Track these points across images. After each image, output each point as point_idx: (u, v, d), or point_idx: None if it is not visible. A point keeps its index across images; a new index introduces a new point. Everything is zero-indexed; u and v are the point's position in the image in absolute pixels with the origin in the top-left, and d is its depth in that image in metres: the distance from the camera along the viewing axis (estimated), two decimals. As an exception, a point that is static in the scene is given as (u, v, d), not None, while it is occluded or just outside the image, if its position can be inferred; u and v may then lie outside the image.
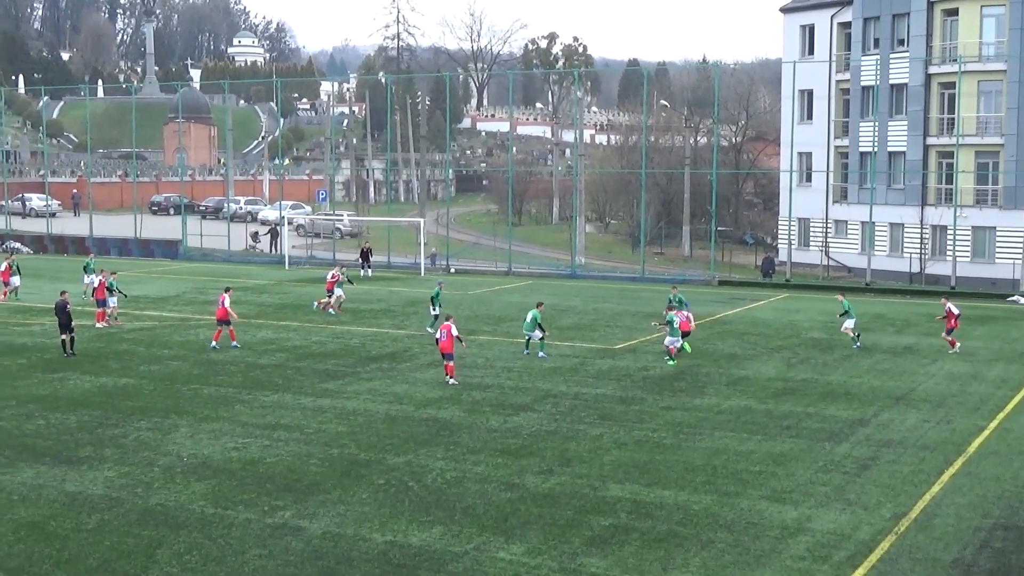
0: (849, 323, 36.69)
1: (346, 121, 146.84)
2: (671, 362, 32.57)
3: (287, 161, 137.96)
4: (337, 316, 42.12)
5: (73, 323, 34.20)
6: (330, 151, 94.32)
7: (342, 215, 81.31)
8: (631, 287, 55.25)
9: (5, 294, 46.61)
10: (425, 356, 33.83)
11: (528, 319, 33.87)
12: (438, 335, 29.45)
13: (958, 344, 35.24)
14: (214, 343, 35.08)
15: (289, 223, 75.91)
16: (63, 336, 33.74)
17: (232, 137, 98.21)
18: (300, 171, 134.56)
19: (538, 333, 33.65)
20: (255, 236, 74.08)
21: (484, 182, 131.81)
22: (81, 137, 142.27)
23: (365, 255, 58.81)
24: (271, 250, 72.66)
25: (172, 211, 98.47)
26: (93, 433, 24.18)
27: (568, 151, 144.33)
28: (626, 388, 29.38)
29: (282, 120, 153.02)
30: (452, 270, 60.09)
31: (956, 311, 35.27)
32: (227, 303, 35.19)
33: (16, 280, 47.08)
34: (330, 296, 43.30)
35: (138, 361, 33.01)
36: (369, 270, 58.05)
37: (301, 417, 25.75)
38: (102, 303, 39.33)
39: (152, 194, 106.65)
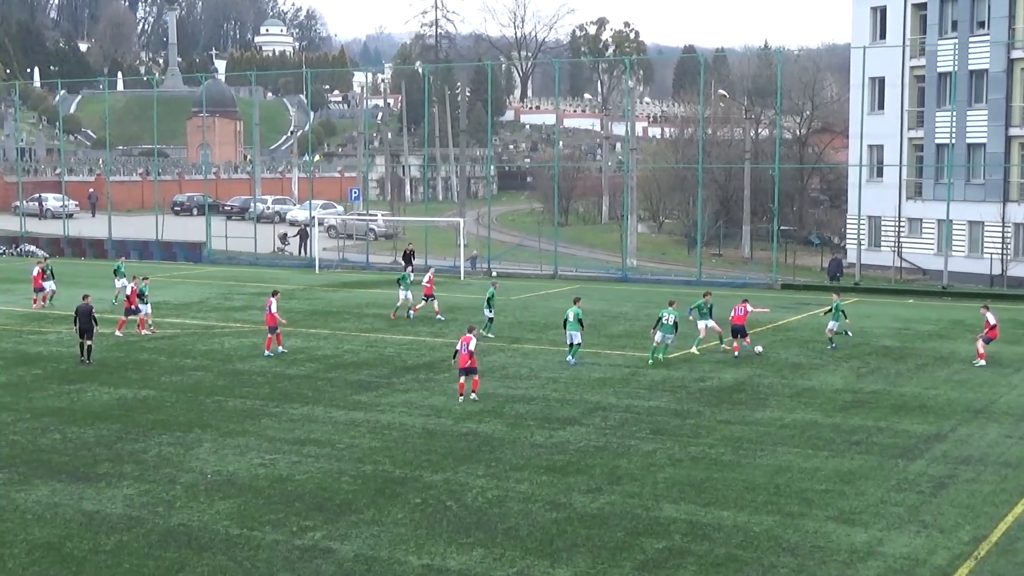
0: (832, 325, 37.29)
1: (380, 114, 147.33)
2: (651, 362, 33.80)
3: (317, 157, 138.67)
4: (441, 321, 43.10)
5: (96, 329, 34.76)
6: (363, 146, 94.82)
7: (376, 215, 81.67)
8: (687, 291, 55.02)
9: (36, 301, 47.47)
10: (465, 366, 33.83)
11: (570, 318, 33.91)
12: (458, 347, 29.19)
13: (985, 359, 34.75)
14: (267, 351, 35.92)
15: (320, 224, 76.35)
16: (82, 341, 34.36)
17: (259, 132, 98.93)
18: (331, 168, 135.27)
19: (578, 337, 33.75)
20: (284, 238, 74.71)
21: (528, 179, 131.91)
22: (99, 133, 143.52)
23: (408, 257, 58.94)
24: (301, 253, 73.16)
25: (195, 211, 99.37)
26: (112, 448, 24.44)
27: (619, 145, 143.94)
28: (681, 400, 29.35)
29: (312, 114, 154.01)
30: (494, 273, 60.09)
31: (993, 320, 35.03)
32: (274, 308, 35.93)
33: (51, 285, 48.08)
34: (429, 300, 44.02)
35: (159, 371, 33.35)
36: (411, 271, 58.09)
37: (332, 431, 25.90)
38: (132, 311, 40.01)
39: (174, 193, 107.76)
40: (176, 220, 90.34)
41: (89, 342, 34.57)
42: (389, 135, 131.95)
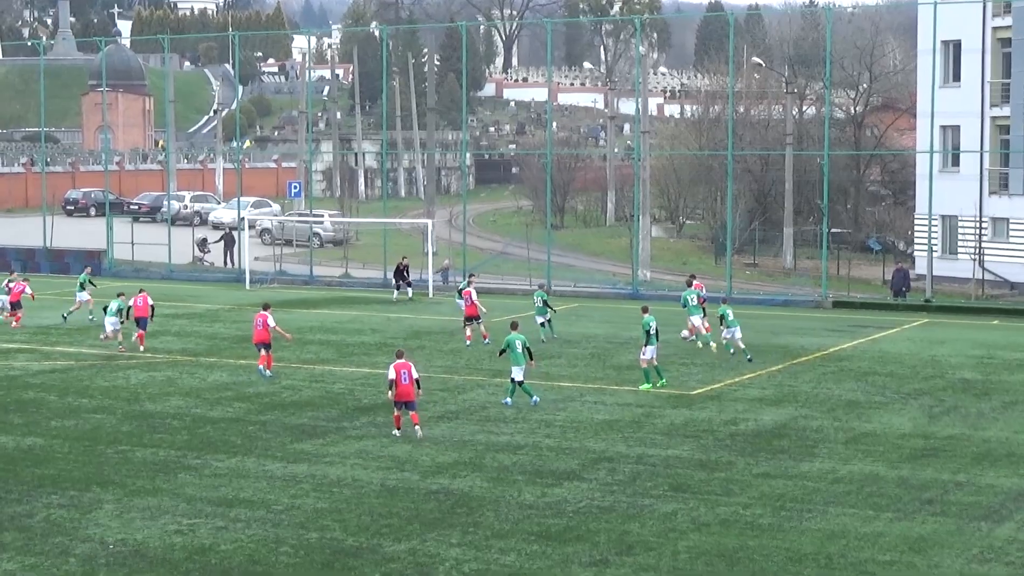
0: (735, 332, 40.82)
1: (327, 89, 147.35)
2: (645, 387, 35.73)
3: (248, 143, 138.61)
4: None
5: None
6: (306, 129, 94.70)
7: (322, 215, 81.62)
8: (715, 311, 54.98)
9: (78, 306, 50.86)
10: (435, 406, 33.92)
11: (517, 347, 34.10)
12: (391, 375, 30.22)
13: None
14: (267, 372, 38.18)
15: (251, 227, 76.25)
16: None
17: (174, 111, 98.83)
18: (266, 157, 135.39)
19: (521, 372, 34.08)
20: (204, 244, 74.51)
21: (514, 170, 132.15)
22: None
23: (401, 273, 58.68)
24: (226, 263, 73.05)
25: (93, 211, 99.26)
26: (-12, 512, 24.35)
27: (627, 127, 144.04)
28: (707, 448, 29.37)
29: (241, 88, 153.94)
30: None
31: None
32: (271, 322, 38.34)
33: (83, 296, 50.49)
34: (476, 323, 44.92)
35: (48, 414, 33.20)
36: (409, 290, 58.25)
37: (267, 489, 25.83)
38: (143, 323, 43.57)
39: (67, 188, 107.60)
40: (69, 222, 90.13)
41: None
42: (338, 115, 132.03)
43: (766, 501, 24.92)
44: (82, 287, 50.78)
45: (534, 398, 34.02)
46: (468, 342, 44.29)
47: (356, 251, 76.35)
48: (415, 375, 30.32)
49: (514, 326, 35.26)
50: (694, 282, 45.05)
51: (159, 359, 41.80)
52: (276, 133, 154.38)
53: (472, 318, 44.87)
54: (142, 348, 43.13)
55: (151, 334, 44.99)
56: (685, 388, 36.76)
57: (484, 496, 25.30)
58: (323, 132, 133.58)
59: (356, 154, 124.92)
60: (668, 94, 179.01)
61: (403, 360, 30.54)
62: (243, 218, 72.28)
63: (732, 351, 41.41)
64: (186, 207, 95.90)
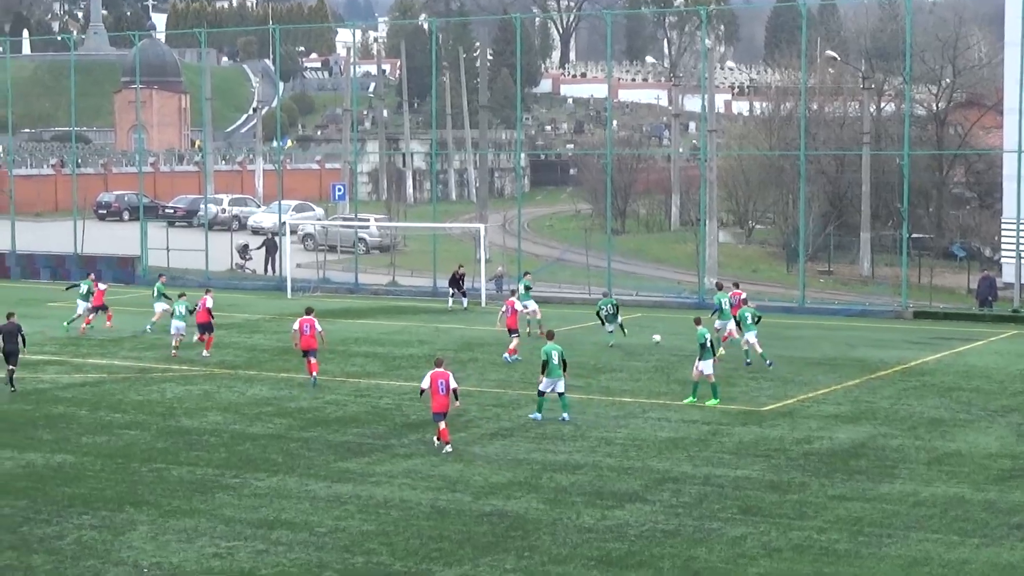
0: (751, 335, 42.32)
1: (373, 85, 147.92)
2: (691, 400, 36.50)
3: (289, 143, 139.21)
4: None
5: (23, 352, 38.52)
6: (351, 128, 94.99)
7: (368, 220, 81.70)
8: (787, 321, 54.84)
9: (110, 317, 52.14)
10: (488, 422, 33.97)
11: (554, 359, 34.06)
12: (425, 384, 30.97)
13: None
14: (313, 376, 39.54)
15: (292, 232, 76.43)
16: (9, 367, 37.83)
17: (211, 109, 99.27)
18: (308, 157, 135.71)
19: (562, 384, 34.19)
20: (244, 250, 74.67)
21: (571, 171, 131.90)
22: (0, 111, 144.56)
23: (457, 281, 58.79)
24: (267, 270, 73.32)
25: (127, 215, 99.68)
26: (16, 533, 24.45)
27: (693, 125, 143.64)
28: (779, 468, 29.33)
29: (282, 85, 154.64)
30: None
31: None
32: (319, 326, 39.74)
33: (163, 306, 50.60)
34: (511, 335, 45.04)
35: (79, 430, 33.44)
36: (464, 300, 58.39)
37: (310, 510, 25.91)
38: (207, 327, 45.03)
39: (99, 191, 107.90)
40: (101, 227, 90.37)
41: (13, 366, 37.88)
42: (385, 113, 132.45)
43: (842, 525, 24.84)
44: (161, 297, 50.86)
45: (564, 415, 34.10)
46: (510, 357, 44.10)
47: (404, 258, 76.31)
48: (453, 385, 30.92)
49: (550, 336, 35.36)
50: (732, 290, 46.91)
51: (195, 372, 42.05)
52: (319, 132, 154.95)
53: (512, 331, 44.71)
54: (206, 353, 44.53)
55: (186, 345, 45.24)
56: (755, 404, 36.71)
57: (540, 519, 25.28)
58: (369, 131, 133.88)
59: (404, 155, 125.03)
60: (736, 90, 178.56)
61: (442, 369, 31.11)
62: (284, 223, 72.41)
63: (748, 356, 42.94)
64: (224, 211, 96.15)
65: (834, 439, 32.30)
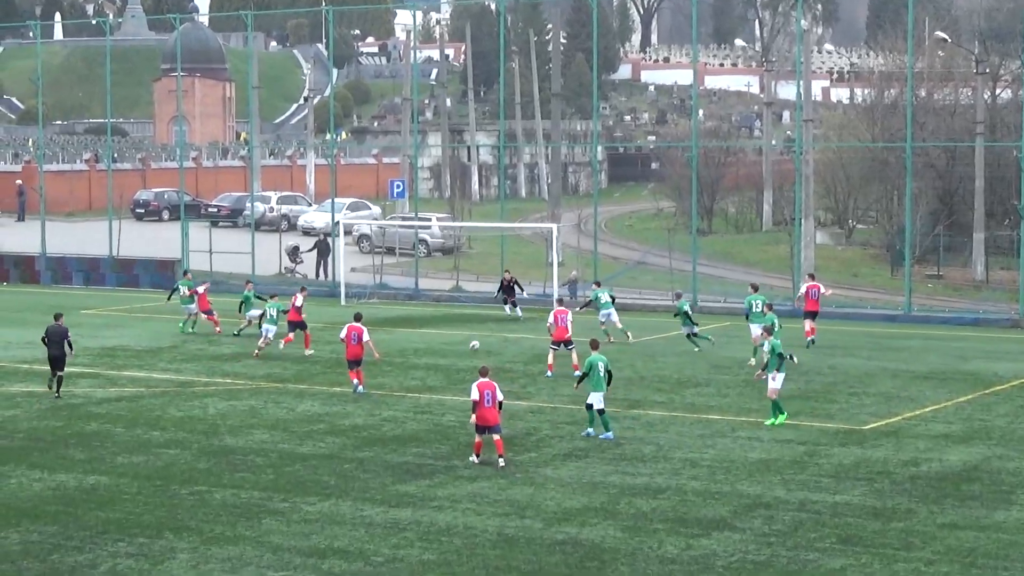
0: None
1: (435, 72, 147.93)
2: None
3: (344, 135, 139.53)
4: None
5: (71, 356, 40.03)
6: (411, 119, 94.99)
7: (430, 219, 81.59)
8: (891, 331, 54.44)
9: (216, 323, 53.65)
10: (560, 442, 33.82)
11: (600, 370, 34.10)
12: (475, 396, 31.42)
13: None
14: (360, 387, 40.68)
15: (347, 233, 76.43)
16: (55, 371, 39.41)
17: (259, 99, 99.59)
18: (364, 151, 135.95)
19: (600, 400, 34.08)
20: (294, 253, 74.81)
21: (653, 165, 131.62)
22: (30, 101, 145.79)
23: (509, 288, 58.70)
24: (318, 274, 73.39)
25: (166, 215, 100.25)
26: (45, 561, 24.49)
27: (787, 114, 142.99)
28: (883, 494, 29.05)
29: (336, 72, 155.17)
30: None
31: None
32: (367, 336, 40.82)
33: (255, 312, 51.59)
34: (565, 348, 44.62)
35: (114, 449, 33.50)
36: (517, 309, 58.27)
37: (366, 538, 25.83)
38: (300, 325, 48.14)
39: (136, 189, 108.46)
40: (138, 227, 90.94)
41: (60, 372, 39.45)
42: (448, 102, 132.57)
43: (953, 556, 24.59)
44: (251, 304, 52.21)
45: (609, 433, 34.06)
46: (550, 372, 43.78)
47: (468, 261, 76.38)
48: (500, 397, 31.60)
49: (594, 346, 35.31)
50: (809, 283, 50.66)
51: (240, 386, 42.18)
52: (376, 124, 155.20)
53: (561, 342, 44.01)
54: (309, 351, 47.88)
55: (232, 357, 45.31)
56: (856, 422, 36.44)
57: (618, 548, 25.12)
58: (430, 122, 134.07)
59: (469, 148, 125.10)
60: (835, 76, 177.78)
61: (487, 379, 31.72)
62: (338, 223, 72.40)
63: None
64: (272, 210, 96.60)
65: (944, 461, 31.99)
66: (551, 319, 44.05)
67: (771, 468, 31.27)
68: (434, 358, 47.39)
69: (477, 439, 31.45)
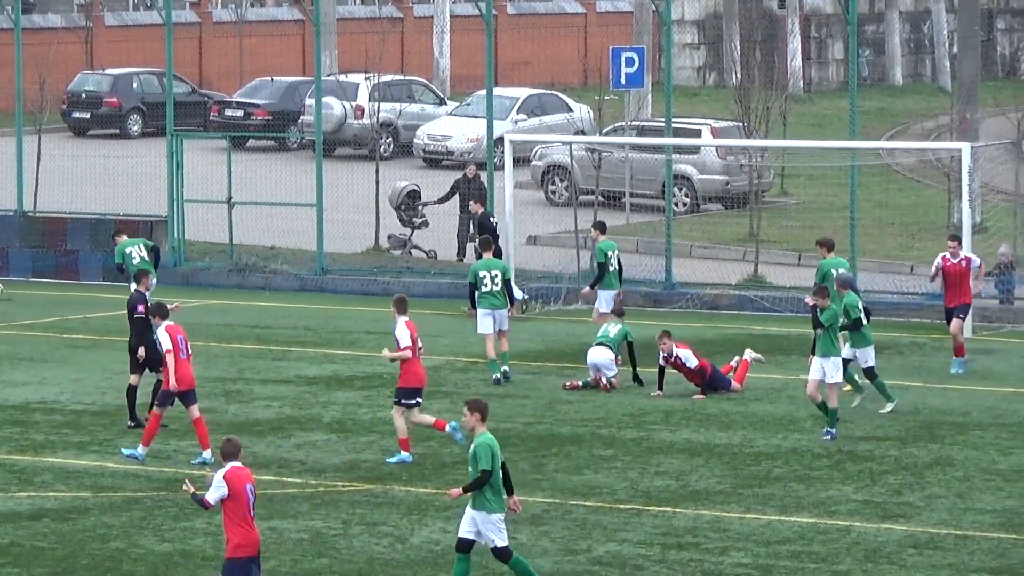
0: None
1: None
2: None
3: None
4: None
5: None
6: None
7: (698, 131, 57.99)
8: None
9: None
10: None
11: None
12: None
13: None
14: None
15: (522, 163, 54.61)
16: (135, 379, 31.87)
17: None
18: None
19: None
20: (411, 203, 52.38)
21: None
22: None
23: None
24: (459, 253, 50.91)
25: (136, 124, 71.07)
26: None
27: None
28: None
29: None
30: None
31: None
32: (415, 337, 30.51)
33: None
34: None
35: None
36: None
37: None
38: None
39: (77, 70, 76.75)
40: (78, 147, 64.34)
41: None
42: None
43: None
44: None
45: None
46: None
47: (776, 218, 55.44)
48: None
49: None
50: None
51: (289, 486, 28.31)
52: None
53: None
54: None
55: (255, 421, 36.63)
56: None
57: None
58: None
59: None
60: None
61: None
62: (502, 141, 53.67)
63: None
64: (362, 112, 65.63)
65: None
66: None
67: None
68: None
69: None
